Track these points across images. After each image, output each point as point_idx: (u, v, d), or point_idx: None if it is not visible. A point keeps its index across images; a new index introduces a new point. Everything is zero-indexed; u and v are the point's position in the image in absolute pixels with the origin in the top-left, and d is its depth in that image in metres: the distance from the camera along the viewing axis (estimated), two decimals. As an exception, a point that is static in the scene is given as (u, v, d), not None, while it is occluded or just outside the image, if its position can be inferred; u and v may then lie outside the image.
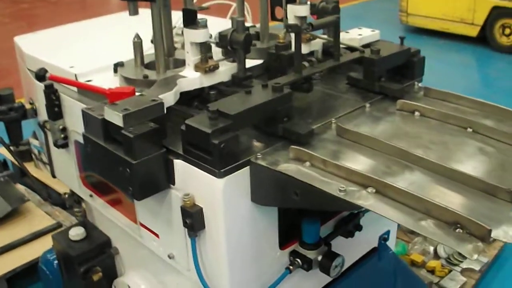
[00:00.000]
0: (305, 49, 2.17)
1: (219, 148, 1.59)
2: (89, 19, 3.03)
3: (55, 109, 2.28)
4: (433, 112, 1.95)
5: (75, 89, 2.24)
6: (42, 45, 2.63)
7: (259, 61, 2.28)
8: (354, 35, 2.42)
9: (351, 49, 2.35)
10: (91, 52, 2.47)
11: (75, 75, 2.23)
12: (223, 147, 1.60)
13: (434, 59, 6.84)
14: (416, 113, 1.97)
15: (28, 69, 2.55)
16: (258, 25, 2.52)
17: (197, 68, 1.98)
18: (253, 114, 1.70)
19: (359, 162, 1.67)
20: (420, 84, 2.23)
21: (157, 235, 2.02)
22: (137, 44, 2.12)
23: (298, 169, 1.61)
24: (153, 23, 2.03)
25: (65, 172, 2.50)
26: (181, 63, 2.10)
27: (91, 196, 2.35)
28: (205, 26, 1.94)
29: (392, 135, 1.83)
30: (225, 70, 2.04)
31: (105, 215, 2.35)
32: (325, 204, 1.61)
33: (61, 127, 2.30)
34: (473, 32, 7.24)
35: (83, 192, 2.40)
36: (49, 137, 2.45)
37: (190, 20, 1.96)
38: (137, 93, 1.96)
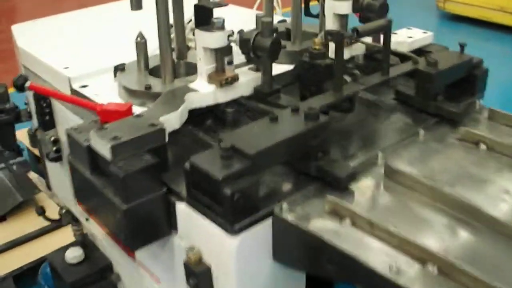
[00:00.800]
0: (345, 54, 1.72)
1: (233, 200, 1.17)
2: (95, 5, 2.60)
3: (45, 117, 1.88)
4: (503, 146, 1.49)
5: (68, 93, 1.84)
6: (38, 37, 2.22)
7: (289, 67, 1.84)
8: (403, 38, 1.96)
9: (400, 55, 1.90)
10: (90, 49, 2.05)
11: (69, 79, 1.81)
12: (238, 199, 1.18)
13: (472, 48, 6.31)
14: (482, 146, 1.51)
15: (23, 66, 2.15)
16: (289, 19, 2.08)
17: (211, 79, 1.55)
18: (278, 151, 1.27)
19: (414, 222, 1.23)
20: (481, 102, 1.77)
21: (157, 280, 1.62)
22: (141, 45, 1.70)
23: (335, 231, 1.19)
24: (158, 18, 1.60)
25: (61, 188, 2.12)
26: (195, 68, 1.67)
27: (87, 220, 1.96)
28: (221, 27, 1.50)
29: (455, 178, 1.38)
30: (247, 82, 1.61)
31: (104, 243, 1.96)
32: (368, 280, 1.18)
33: (53, 138, 1.91)
34: (513, 21, 6.64)
35: (79, 213, 2.01)
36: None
37: (203, 19, 1.53)
38: (137, 108, 1.55)
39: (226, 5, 1.56)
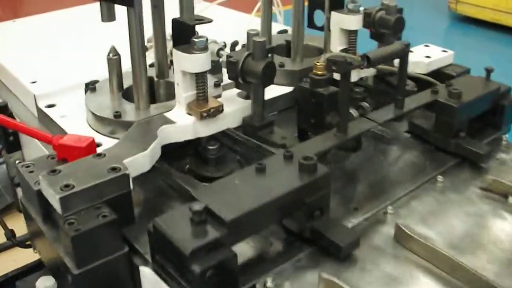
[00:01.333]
0: (352, 76, 1.46)
1: (204, 278, 0.91)
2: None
3: (9, 138, 1.62)
4: (539, 199, 1.23)
5: (34, 111, 1.58)
6: (11, 42, 1.95)
7: (287, 89, 1.58)
8: (420, 57, 1.68)
9: (416, 79, 1.63)
10: (64, 59, 1.78)
11: (34, 96, 1.55)
12: (211, 276, 0.92)
13: (483, 52, 6.00)
14: (511, 199, 1.25)
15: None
16: (290, 29, 1.81)
17: (190, 110, 1.28)
18: (264, 215, 1.00)
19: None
20: (507, 137, 1.50)
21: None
22: (113, 63, 1.43)
23: (331, 323, 0.93)
24: (129, 29, 1.32)
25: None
26: (177, 89, 1.41)
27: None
28: (204, 48, 1.24)
29: (478, 246, 1.12)
30: (233, 113, 1.34)
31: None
32: None
33: (18, 162, 1.64)
34: (526, 25, 6.31)
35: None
36: (9, 166, 1.80)
37: (183, 37, 1.26)
38: (103, 140, 1.30)
39: (210, 21, 1.29)
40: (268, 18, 1.64)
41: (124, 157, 1.13)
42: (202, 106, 1.27)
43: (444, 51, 1.75)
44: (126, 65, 1.42)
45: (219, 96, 1.41)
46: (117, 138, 1.30)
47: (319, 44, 1.74)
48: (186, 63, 1.23)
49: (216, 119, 1.29)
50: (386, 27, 1.54)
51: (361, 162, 1.37)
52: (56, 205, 1.04)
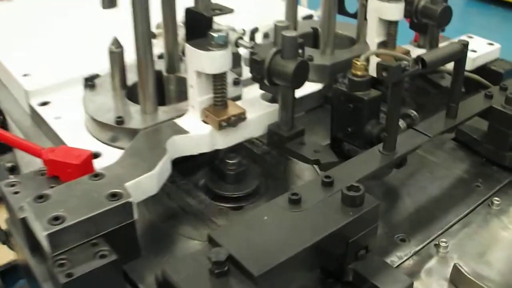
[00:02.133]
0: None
1: None
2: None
3: (-2, 136, 1.40)
4: None
5: (27, 109, 1.36)
6: (7, 25, 1.71)
7: (315, 86, 1.35)
8: (465, 51, 1.45)
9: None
10: (60, 48, 1.54)
11: (26, 92, 1.33)
12: None
13: (501, 33, 5.70)
14: None
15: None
16: (318, 14, 1.58)
17: (207, 117, 1.06)
18: (301, 263, 0.79)
19: None
20: None
21: None
22: (116, 56, 1.20)
23: None
24: (134, 19, 1.08)
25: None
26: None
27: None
28: (224, 45, 1.01)
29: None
30: (257, 120, 1.12)
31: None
32: None
33: (9, 165, 1.44)
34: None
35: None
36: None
37: (198, 30, 1.03)
38: (103, 149, 1.09)
39: (231, 11, 1.06)
40: (293, 1, 1.40)
41: (126, 179, 0.91)
42: (220, 114, 1.04)
43: (490, 43, 1.52)
44: (131, 57, 1.19)
45: (239, 97, 1.19)
46: (120, 148, 1.09)
47: (351, 33, 1.50)
48: (201, 62, 1.01)
49: (237, 128, 1.07)
50: (431, 18, 1.31)
51: (403, 179, 1.15)
52: (44, 242, 0.82)
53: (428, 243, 0.98)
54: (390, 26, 1.31)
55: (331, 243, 0.81)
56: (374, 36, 1.32)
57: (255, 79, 1.08)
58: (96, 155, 1.08)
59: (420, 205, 1.08)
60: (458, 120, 1.12)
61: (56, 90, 1.34)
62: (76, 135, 1.16)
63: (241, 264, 0.74)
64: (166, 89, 1.30)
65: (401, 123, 1.05)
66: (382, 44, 1.33)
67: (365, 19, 1.35)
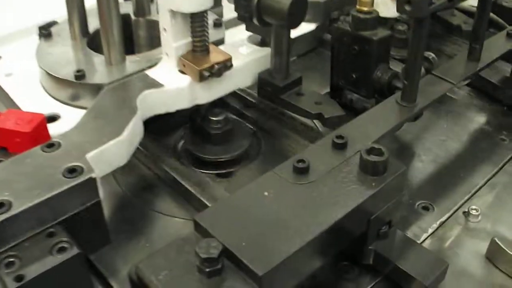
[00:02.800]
0: (390, 10, 1.03)
1: None
2: None
3: None
4: None
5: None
6: None
7: (308, 27, 1.16)
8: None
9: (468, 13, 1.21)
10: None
11: (-31, 43, 1.11)
12: None
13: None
14: None
15: None
16: None
17: (185, 66, 0.86)
18: (314, 252, 0.61)
19: None
20: None
21: None
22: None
23: None
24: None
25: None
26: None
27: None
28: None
29: None
30: (245, 67, 0.92)
31: None
32: None
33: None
34: None
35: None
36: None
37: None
38: (63, 110, 0.89)
39: None
40: None
41: (88, 148, 0.71)
42: (201, 61, 0.84)
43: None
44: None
45: (221, 41, 0.98)
46: (82, 108, 0.88)
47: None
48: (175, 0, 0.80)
49: (221, 79, 0.87)
50: None
51: (418, 133, 0.97)
52: (-16, 234, 0.64)
53: (456, 210, 0.81)
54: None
55: (351, 223, 0.63)
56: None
57: (241, 18, 0.88)
58: (53, 118, 0.88)
59: (441, 165, 0.91)
60: (482, 64, 0.93)
61: (6, 42, 1.13)
62: (30, 94, 0.96)
63: (240, 260, 0.56)
64: (135, 35, 1.10)
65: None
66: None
67: None
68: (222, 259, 0.56)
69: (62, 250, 0.64)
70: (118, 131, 0.75)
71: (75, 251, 0.64)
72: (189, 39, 0.85)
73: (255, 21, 0.86)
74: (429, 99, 0.82)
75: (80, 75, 0.89)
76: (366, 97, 0.95)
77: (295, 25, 0.86)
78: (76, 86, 0.90)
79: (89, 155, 0.70)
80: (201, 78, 0.84)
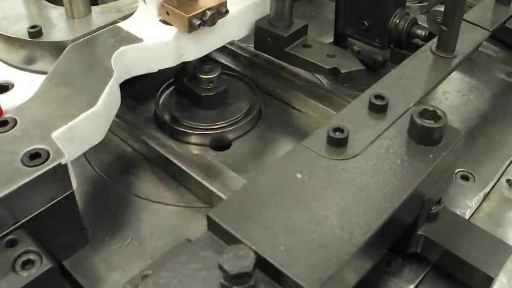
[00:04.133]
0: None
1: None
2: None
3: None
4: None
5: None
6: None
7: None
8: None
9: None
10: None
11: None
12: None
13: None
14: None
15: None
16: None
17: (169, 14, 0.67)
18: (369, 250, 0.46)
19: None
20: None
21: None
22: None
23: None
24: None
25: None
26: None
27: None
28: None
29: None
30: (239, 15, 0.74)
31: None
32: None
33: None
34: None
35: None
36: None
37: None
38: (16, 76, 0.70)
39: None
40: None
41: (53, 125, 0.53)
42: (190, 7, 0.65)
43: None
44: None
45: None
46: (40, 72, 0.69)
47: None
48: None
49: (213, 29, 0.69)
50: None
51: (439, 88, 0.82)
52: None
53: (499, 179, 0.68)
54: None
55: (408, 209, 0.48)
56: None
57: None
58: (4, 88, 0.69)
59: (473, 125, 0.76)
60: (517, 10, 0.78)
61: None
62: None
63: (281, 272, 0.40)
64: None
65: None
66: None
67: None
68: (255, 272, 0.40)
69: (28, 264, 0.47)
70: (90, 101, 0.57)
71: (46, 265, 0.47)
72: (173, -20, 0.67)
73: (251, -44, 0.68)
74: (468, 48, 0.66)
75: (35, 31, 0.69)
76: (381, 47, 0.79)
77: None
78: (31, 46, 0.70)
79: (56, 134, 0.53)
80: (191, 27, 0.65)
